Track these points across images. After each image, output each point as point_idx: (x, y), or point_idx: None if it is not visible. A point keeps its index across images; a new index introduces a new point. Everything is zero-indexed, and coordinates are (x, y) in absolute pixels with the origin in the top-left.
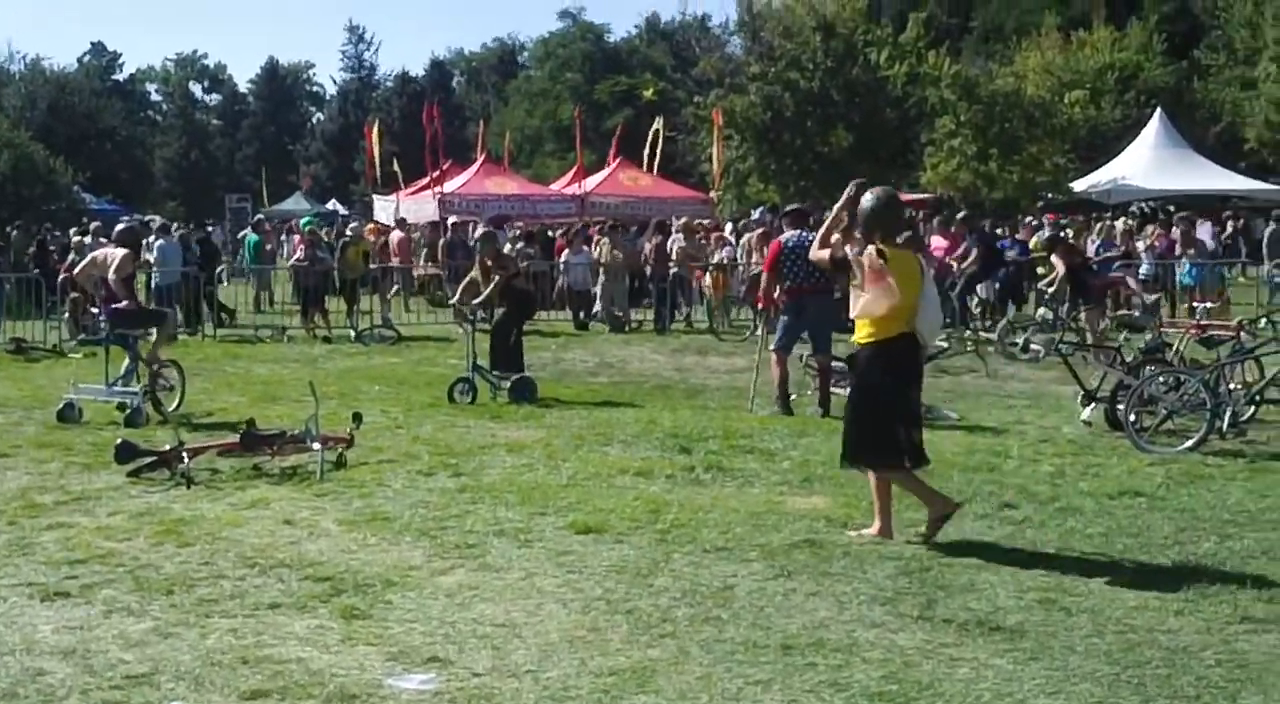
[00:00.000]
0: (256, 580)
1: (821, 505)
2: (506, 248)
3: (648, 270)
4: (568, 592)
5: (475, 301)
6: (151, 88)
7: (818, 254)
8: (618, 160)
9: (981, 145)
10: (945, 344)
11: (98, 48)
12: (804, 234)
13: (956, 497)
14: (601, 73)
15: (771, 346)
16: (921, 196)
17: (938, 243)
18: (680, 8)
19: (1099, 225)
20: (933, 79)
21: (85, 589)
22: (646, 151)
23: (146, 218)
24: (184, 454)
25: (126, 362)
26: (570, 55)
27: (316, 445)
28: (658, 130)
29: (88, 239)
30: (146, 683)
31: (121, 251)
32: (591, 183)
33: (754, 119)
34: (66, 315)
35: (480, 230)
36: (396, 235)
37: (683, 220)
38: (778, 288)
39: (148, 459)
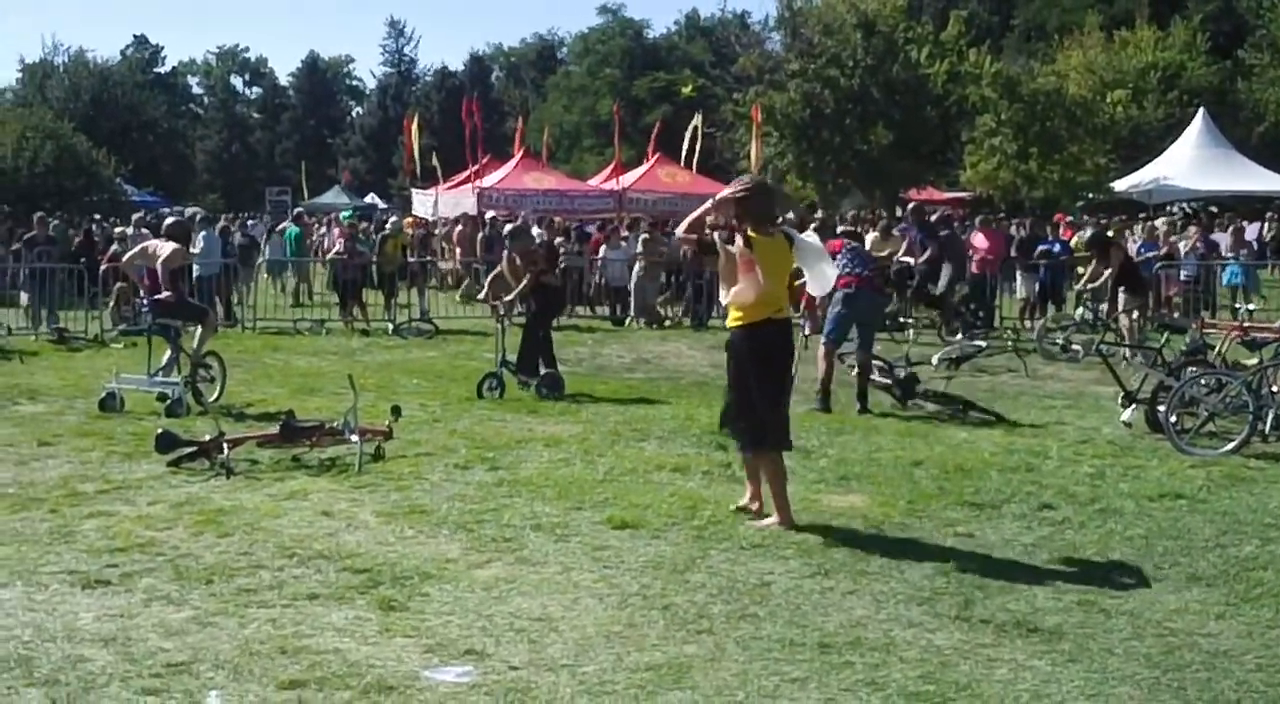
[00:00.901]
0: (295, 571)
1: (859, 503)
2: (557, 241)
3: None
4: (604, 587)
5: (506, 298)
6: (193, 81)
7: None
8: (656, 156)
9: (1022, 144)
10: (984, 344)
11: (140, 41)
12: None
13: (995, 497)
14: (640, 69)
15: (823, 340)
16: (960, 195)
17: (979, 242)
18: (720, 4)
19: (1140, 225)
20: (974, 77)
21: (125, 577)
22: (685, 148)
23: (189, 210)
24: (224, 444)
25: (168, 352)
26: (609, 51)
27: (355, 437)
28: (697, 127)
29: (130, 230)
30: (186, 671)
31: (172, 245)
32: (629, 179)
33: (793, 116)
34: (110, 305)
35: (510, 226)
36: (458, 230)
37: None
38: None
39: (188, 449)
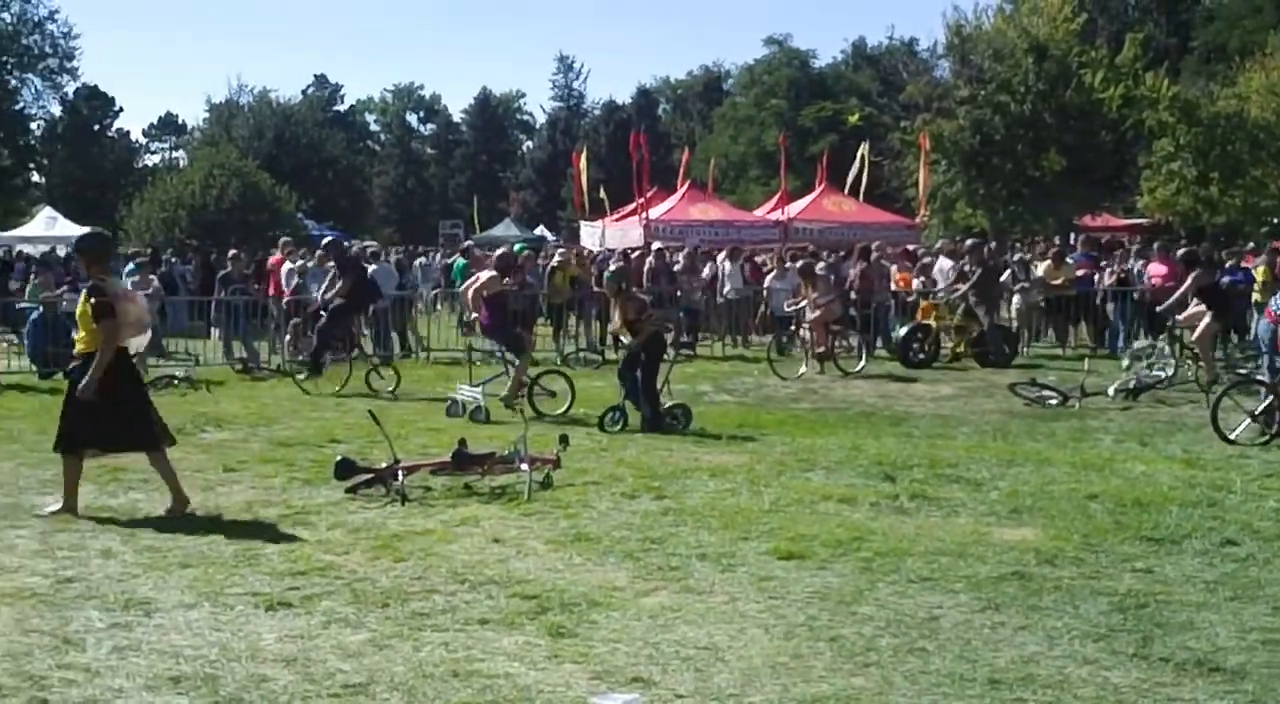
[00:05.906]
0: (467, 596)
1: (1030, 537)
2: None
3: (852, 296)
4: (770, 617)
5: (625, 340)
6: (370, 118)
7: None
8: (822, 186)
9: (1202, 169)
10: (1163, 374)
11: (320, 80)
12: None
13: (1175, 532)
14: (807, 98)
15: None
16: (1138, 221)
17: (1156, 269)
18: (887, 32)
19: None
20: (1150, 101)
21: (306, 600)
22: (852, 176)
23: (364, 243)
24: (399, 472)
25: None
26: (775, 82)
27: (524, 466)
28: (864, 155)
29: (311, 263)
30: (363, 692)
31: (488, 273)
32: (795, 208)
33: (962, 143)
34: (289, 339)
35: (611, 267)
36: (650, 263)
37: (875, 244)
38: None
39: (365, 476)
